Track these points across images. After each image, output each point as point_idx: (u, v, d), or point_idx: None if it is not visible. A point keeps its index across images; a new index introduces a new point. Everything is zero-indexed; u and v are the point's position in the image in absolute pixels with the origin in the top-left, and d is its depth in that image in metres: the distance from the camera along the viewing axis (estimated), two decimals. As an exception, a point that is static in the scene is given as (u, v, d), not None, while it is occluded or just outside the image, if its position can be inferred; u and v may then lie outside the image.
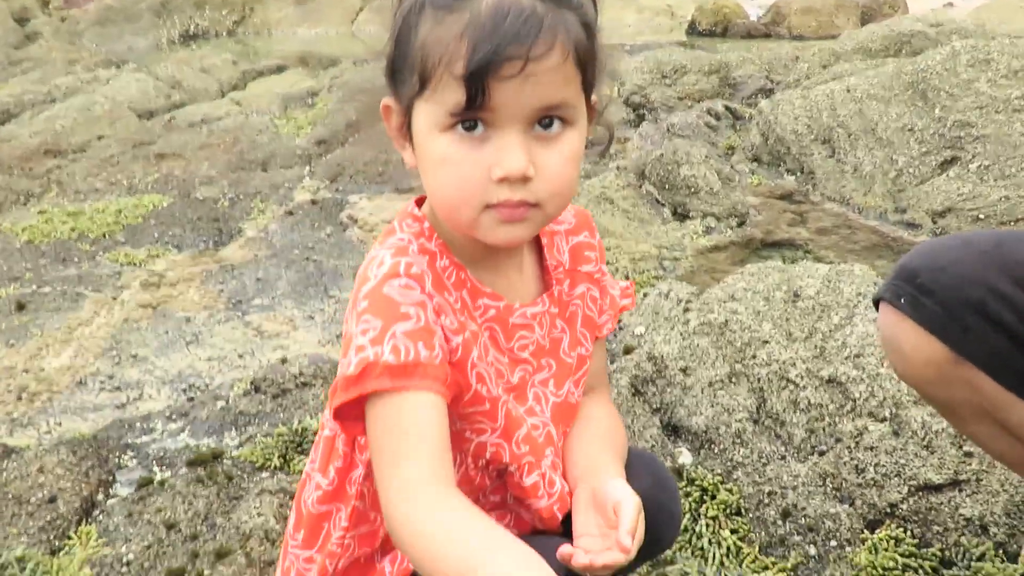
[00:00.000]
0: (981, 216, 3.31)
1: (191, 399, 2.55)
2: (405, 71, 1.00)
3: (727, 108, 4.76)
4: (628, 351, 2.47)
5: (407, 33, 0.99)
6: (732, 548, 1.93)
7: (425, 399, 0.97)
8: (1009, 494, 1.83)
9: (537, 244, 1.19)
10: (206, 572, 1.64)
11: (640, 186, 3.82)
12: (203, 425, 2.37)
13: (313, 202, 4.26)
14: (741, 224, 3.59)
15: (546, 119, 0.97)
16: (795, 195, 3.86)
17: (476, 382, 1.05)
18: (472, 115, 0.95)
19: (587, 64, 0.98)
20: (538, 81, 0.94)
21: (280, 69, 7.60)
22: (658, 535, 1.19)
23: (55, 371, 2.76)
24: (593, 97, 1.05)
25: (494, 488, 1.18)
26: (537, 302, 1.14)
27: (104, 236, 3.91)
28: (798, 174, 4.01)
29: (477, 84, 0.92)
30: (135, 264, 3.63)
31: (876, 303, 1.41)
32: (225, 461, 2.08)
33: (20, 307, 3.19)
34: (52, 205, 4.32)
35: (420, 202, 1.12)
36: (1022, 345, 1.26)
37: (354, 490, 1.12)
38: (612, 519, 1.05)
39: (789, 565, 1.86)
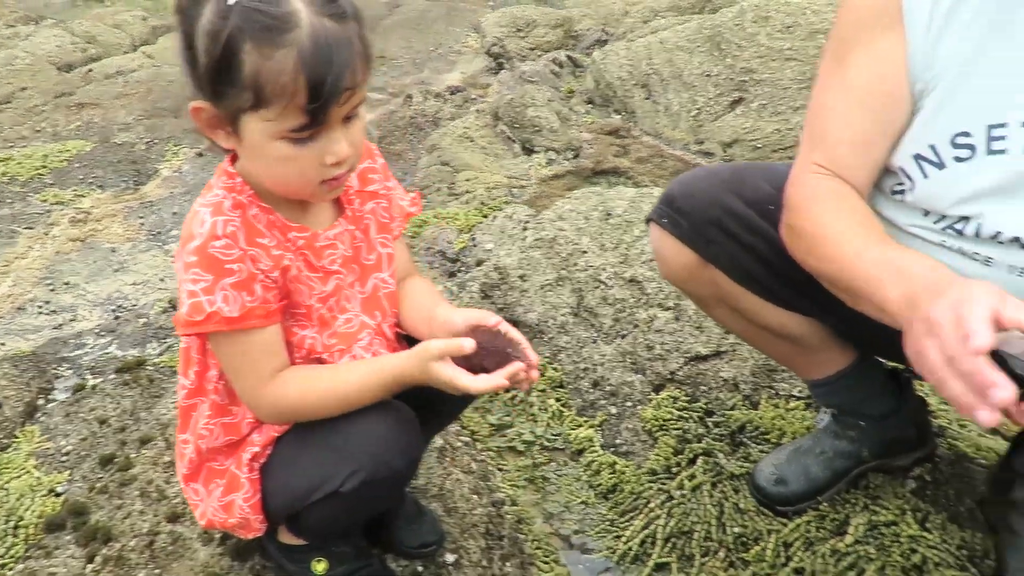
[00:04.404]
0: (759, 146, 3.53)
1: (117, 318, 2.55)
2: (230, 88, 0.99)
3: (569, 57, 4.83)
4: (479, 263, 2.59)
5: (229, 58, 0.97)
6: (556, 412, 2.11)
7: (255, 332, 1.11)
8: (755, 360, 2.06)
9: None
10: (132, 456, 1.71)
11: (495, 126, 3.89)
12: (129, 339, 2.39)
13: (220, 144, 4.16)
14: (576, 156, 3.72)
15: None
16: (620, 131, 3.99)
17: (295, 294, 1.17)
18: (311, 132, 1.02)
19: (371, 60, 1.06)
20: (355, 92, 1.03)
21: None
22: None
23: (-4, 299, 2.70)
24: None
25: None
26: (336, 224, 1.22)
27: (33, 179, 3.76)
28: (623, 113, 4.14)
29: (319, 113, 1.00)
30: (63, 203, 3.52)
31: (648, 222, 1.53)
32: (148, 367, 2.12)
33: (-41, 245, 3.08)
34: (-18, 152, 4.09)
35: (234, 159, 1.15)
36: (748, 250, 1.38)
37: (211, 387, 1.21)
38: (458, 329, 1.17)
39: (597, 422, 2.05)
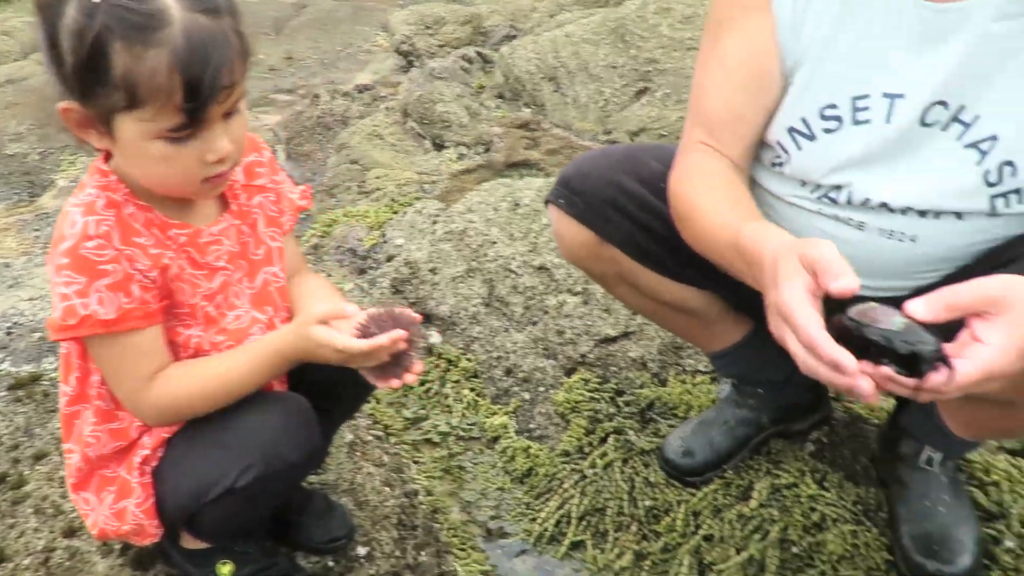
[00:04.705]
0: (664, 134, 3.60)
1: (10, 334, 2.44)
2: (100, 89, 0.96)
3: (478, 53, 4.83)
4: (389, 259, 2.57)
5: (97, 58, 0.94)
6: (471, 402, 2.11)
7: (134, 334, 1.08)
8: (661, 339, 2.10)
9: None
10: (26, 473, 1.64)
11: (405, 123, 3.86)
12: (23, 354, 2.28)
13: (121, 152, 4.02)
14: (487, 150, 3.72)
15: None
16: (530, 124, 4.01)
17: (177, 293, 1.13)
18: (190, 132, 1.00)
19: (249, 55, 1.04)
20: (234, 89, 1.01)
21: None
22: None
23: None
24: None
25: None
26: (220, 220, 1.19)
27: (-83, 195, 3.56)
28: (533, 107, 4.17)
29: (198, 113, 0.97)
30: (-49, 219, 3.35)
31: (546, 204, 1.53)
32: (43, 382, 2.03)
33: None
34: None
35: (107, 156, 1.12)
36: (643, 227, 1.41)
37: (95, 392, 1.17)
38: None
39: (511, 408, 2.06)
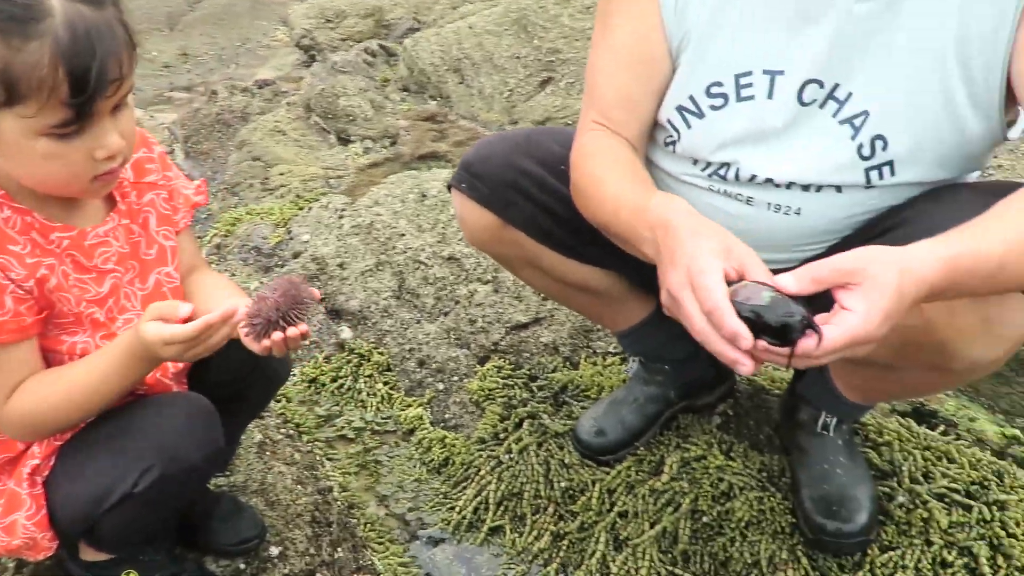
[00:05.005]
0: (569, 123, 3.64)
1: None
2: None
3: (381, 46, 4.78)
4: (296, 255, 2.52)
5: None
6: (385, 396, 2.09)
7: (7, 348, 1.04)
8: (572, 323, 2.13)
9: None
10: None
11: (308, 118, 3.79)
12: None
13: None
14: (394, 143, 3.69)
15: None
16: (437, 116, 4.00)
17: (58, 303, 1.09)
18: (77, 127, 0.95)
19: (135, 46, 1.00)
20: (123, 82, 0.97)
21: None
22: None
23: None
24: None
25: None
26: (107, 220, 1.15)
27: None
28: (439, 99, 4.15)
29: (85, 107, 0.93)
30: None
31: (449, 189, 1.52)
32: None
33: None
34: None
35: None
36: (545, 209, 1.42)
37: None
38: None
39: (426, 400, 2.06)
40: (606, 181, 1.19)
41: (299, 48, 5.18)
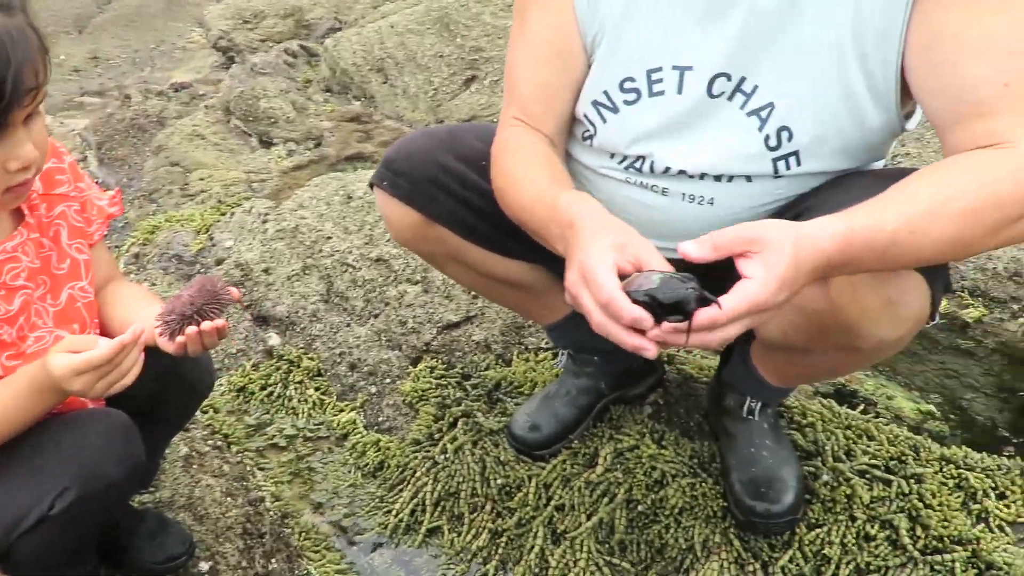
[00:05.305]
0: (495, 120, 3.64)
1: None
2: None
3: (302, 47, 4.69)
4: (219, 262, 2.46)
5: None
6: (316, 401, 2.06)
7: None
8: (503, 320, 2.13)
9: None
10: None
11: (228, 121, 3.70)
12: None
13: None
14: (318, 145, 3.64)
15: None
16: (361, 117, 3.95)
17: None
18: None
19: (48, 52, 0.96)
20: (39, 91, 0.94)
21: None
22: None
23: None
24: None
25: None
26: (15, 235, 1.11)
27: None
28: (363, 99, 4.11)
29: (0, 118, 0.89)
30: None
31: (371, 187, 1.50)
32: None
33: None
34: None
35: None
36: (467, 205, 1.41)
37: None
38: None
39: (358, 403, 2.03)
40: (523, 178, 1.20)
41: (216, 50, 5.05)
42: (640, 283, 0.91)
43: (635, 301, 0.89)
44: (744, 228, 0.91)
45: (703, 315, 0.87)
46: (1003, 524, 1.50)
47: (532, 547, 1.60)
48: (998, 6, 1.00)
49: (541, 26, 1.26)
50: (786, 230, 0.91)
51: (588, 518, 1.61)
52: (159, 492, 1.51)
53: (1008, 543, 1.46)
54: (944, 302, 2.07)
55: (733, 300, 0.88)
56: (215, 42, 5.04)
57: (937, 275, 1.11)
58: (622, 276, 0.94)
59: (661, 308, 0.88)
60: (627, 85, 1.22)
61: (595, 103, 1.25)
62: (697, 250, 0.91)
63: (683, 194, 1.24)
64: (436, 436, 1.85)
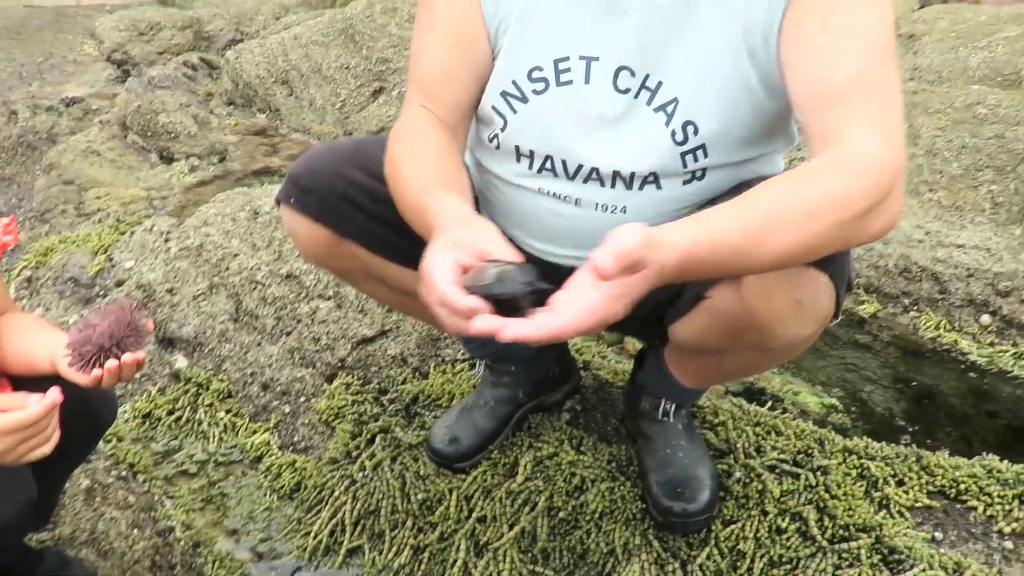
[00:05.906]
0: (405, 131, 3.63)
1: None
2: None
3: (202, 59, 4.57)
4: (119, 284, 2.35)
5: None
6: (228, 424, 1.99)
7: None
8: (419, 333, 2.11)
9: None
10: None
11: (125, 137, 3.55)
12: None
13: None
14: (222, 160, 3.54)
15: None
16: (267, 130, 3.87)
17: None
18: None
19: None
20: None
21: None
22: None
23: None
24: None
25: None
26: None
27: None
28: (268, 112, 4.02)
29: None
30: None
31: (277, 204, 1.44)
32: None
33: None
34: None
35: None
36: (378, 219, 1.37)
37: None
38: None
39: (272, 424, 1.98)
40: (407, 172, 1.19)
41: (111, 63, 4.86)
42: (481, 278, 0.90)
43: (482, 296, 0.89)
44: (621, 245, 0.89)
45: (546, 328, 0.87)
46: (903, 510, 1.58)
47: (455, 561, 1.59)
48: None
49: (445, 12, 1.27)
50: (641, 241, 0.89)
51: (510, 528, 1.61)
52: (59, 529, 1.43)
53: (908, 527, 1.54)
54: (842, 299, 2.17)
55: (576, 314, 0.88)
56: (109, 55, 4.85)
57: (842, 275, 1.16)
58: (467, 272, 0.94)
59: (498, 304, 0.88)
60: (535, 74, 1.22)
61: (504, 93, 1.25)
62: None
63: (596, 204, 1.25)
64: (354, 454, 1.81)
